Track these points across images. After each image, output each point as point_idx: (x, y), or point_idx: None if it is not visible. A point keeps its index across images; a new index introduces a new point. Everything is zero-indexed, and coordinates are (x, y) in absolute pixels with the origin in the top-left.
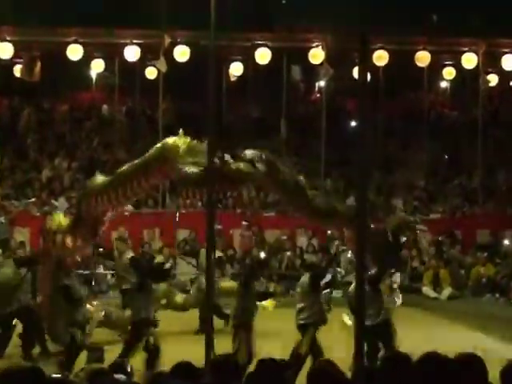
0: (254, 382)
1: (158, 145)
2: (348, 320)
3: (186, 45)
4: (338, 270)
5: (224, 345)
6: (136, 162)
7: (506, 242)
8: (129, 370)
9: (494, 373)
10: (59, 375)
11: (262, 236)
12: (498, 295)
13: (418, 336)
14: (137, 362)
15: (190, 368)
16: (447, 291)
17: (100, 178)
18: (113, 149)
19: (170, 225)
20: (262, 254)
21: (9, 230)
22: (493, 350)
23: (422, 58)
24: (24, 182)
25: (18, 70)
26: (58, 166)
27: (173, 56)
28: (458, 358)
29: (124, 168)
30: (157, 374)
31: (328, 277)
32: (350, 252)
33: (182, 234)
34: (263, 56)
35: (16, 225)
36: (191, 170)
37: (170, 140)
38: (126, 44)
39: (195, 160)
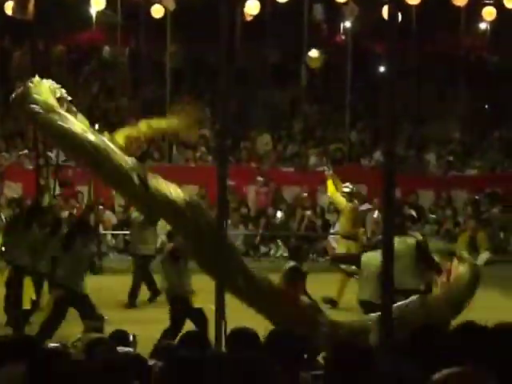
0: (269, 352)
1: None
2: None
3: None
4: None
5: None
6: None
7: None
8: (131, 339)
9: None
10: (56, 345)
11: (279, 193)
12: None
13: None
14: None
15: (199, 337)
16: (485, 256)
17: None
18: (115, 95)
19: (176, 180)
20: (279, 214)
21: None
22: None
23: None
24: (15, 132)
25: (8, 7)
26: None
27: None
28: (497, 327)
29: None
30: (165, 344)
31: None
32: (376, 212)
33: (190, 190)
34: None
35: (6, 179)
36: None
37: None
38: None
39: None
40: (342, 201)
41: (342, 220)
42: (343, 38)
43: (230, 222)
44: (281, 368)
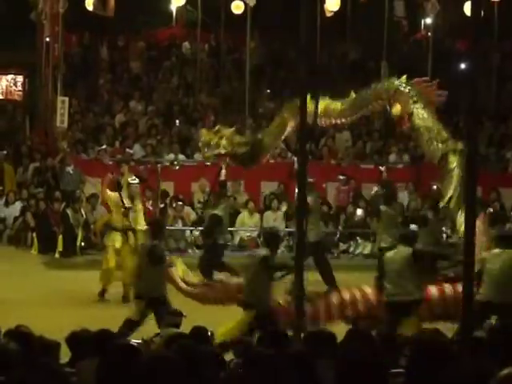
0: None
1: None
2: None
3: None
4: (443, 229)
5: None
6: None
7: None
8: (209, 335)
9: None
10: (138, 341)
11: (359, 190)
12: None
13: None
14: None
15: (279, 335)
16: None
17: None
18: (194, 91)
19: (255, 176)
20: (359, 211)
21: (80, 180)
22: None
23: None
24: (95, 127)
25: (90, 3)
26: (132, 110)
27: None
28: None
29: None
30: (243, 340)
31: None
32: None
33: (269, 187)
34: None
35: (86, 175)
36: None
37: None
38: None
39: None
40: None
41: None
42: (424, 35)
43: None
44: None
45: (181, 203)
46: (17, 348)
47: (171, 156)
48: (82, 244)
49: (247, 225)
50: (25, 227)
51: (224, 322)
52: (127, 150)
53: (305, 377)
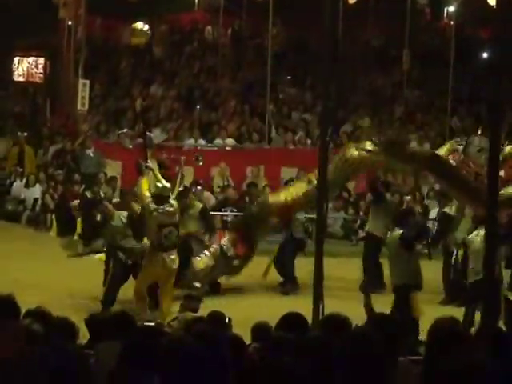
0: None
1: None
2: None
3: None
4: None
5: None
6: None
7: None
8: (227, 321)
9: None
10: (151, 324)
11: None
12: None
13: None
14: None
15: (298, 320)
16: None
17: None
18: (215, 76)
19: (275, 162)
20: None
21: (101, 163)
22: None
23: None
24: (116, 111)
25: None
26: (153, 94)
27: None
28: None
29: None
30: (260, 325)
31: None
32: None
33: (289, 173)
34: None
35: (107, 158)
36: None
37: None
38: None
39: None
40: None
41: None
42: (446, 23)
43: (330, 205)
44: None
45: (200, 188)
46: (40, 329)
47: (192, 141)
48: None
49: None
50: (44, 209)
51: (244, 308)
52: (148, 133)
53: (321, 361)
